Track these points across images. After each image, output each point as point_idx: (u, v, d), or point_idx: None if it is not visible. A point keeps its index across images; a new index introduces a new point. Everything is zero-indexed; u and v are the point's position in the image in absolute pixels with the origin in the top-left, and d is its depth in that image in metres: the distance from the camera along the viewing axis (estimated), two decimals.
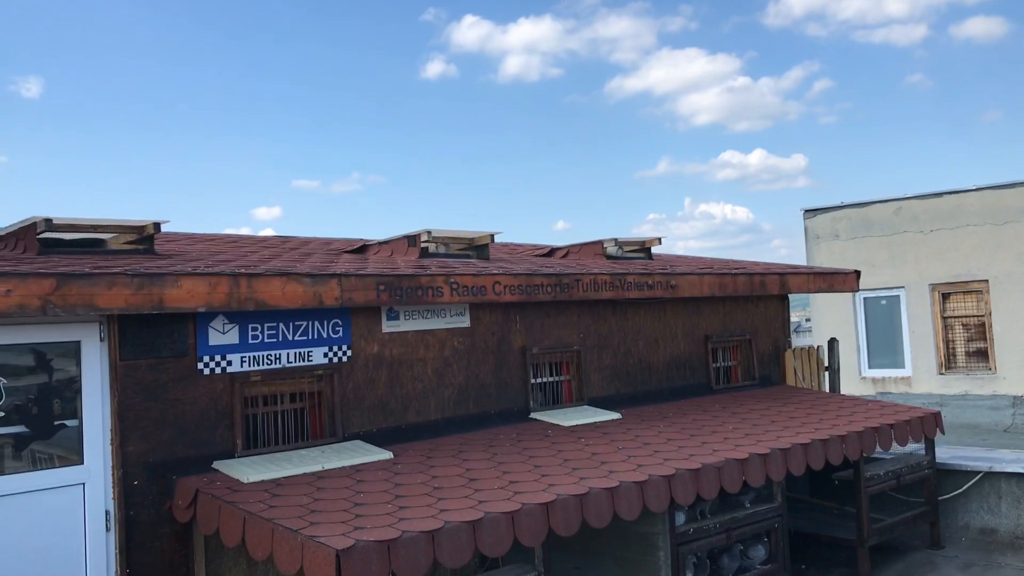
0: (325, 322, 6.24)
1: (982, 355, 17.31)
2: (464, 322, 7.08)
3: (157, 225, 6.22)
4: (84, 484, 5.12)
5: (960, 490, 8.69)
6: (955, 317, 17.63)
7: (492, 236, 8.21)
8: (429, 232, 7.84)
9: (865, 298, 18.36)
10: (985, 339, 17.23)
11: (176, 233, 8.68)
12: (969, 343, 17.53)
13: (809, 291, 10.40)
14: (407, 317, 6.71)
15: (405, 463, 5.83)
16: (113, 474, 5.19)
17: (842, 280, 10.55)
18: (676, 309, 8.90)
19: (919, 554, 8.35)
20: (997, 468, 8.52)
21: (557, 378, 7.86)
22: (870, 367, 18.50)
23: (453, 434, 6.78)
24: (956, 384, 17.23)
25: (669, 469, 5.85)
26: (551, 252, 10.13)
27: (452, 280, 6.49)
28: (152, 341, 5.40)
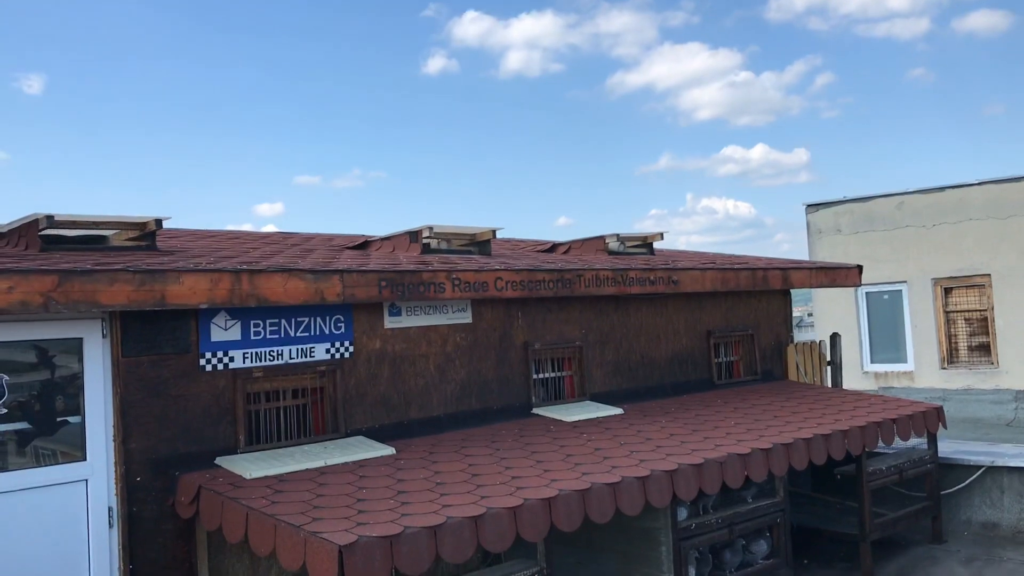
0: (327, 318, 6.25)
1: (984, 349, 17.31)
2: (466, 318, 7.08)
3: (159, 221, 6.22)
4: (87, 480, 5.13)
5: (962, 485, 8.69)
6: (957, 311, 17.62)
7: (494, 232, 8.20)
8: (431, 228, 7.84)
9: (867, 293, 18.35)
10: (987, 333, 17.22)
11: (178, 229, 8.68)
12: (971, 338, 17.52)
13: (811, 286, 10.39)
14: (409, 313, 6.71)
15: (407, 459, 5.84)
16: (116, 470, 5.20)
17: (844, 275, 10.54)
18: (678, 304, 8.89)
19: (921, 549, 8.35)
20: (999, 463, 8.52)
21: (559, 374, 7.86)
22: (872, 362, 18.50)
23: (455, 430, 6.79)
24: (958, 379, 17.22)
25: (671, 464, 5.86)
26: (553, 248, 10.12)
27: (454, 276, 6.49)
28: (154, 337, 5.41)
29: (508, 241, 11.13)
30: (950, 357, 17.65)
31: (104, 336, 5.26)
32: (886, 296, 18.32)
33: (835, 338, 10.58)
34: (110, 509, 5.18)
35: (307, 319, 6.14)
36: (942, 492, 8.58)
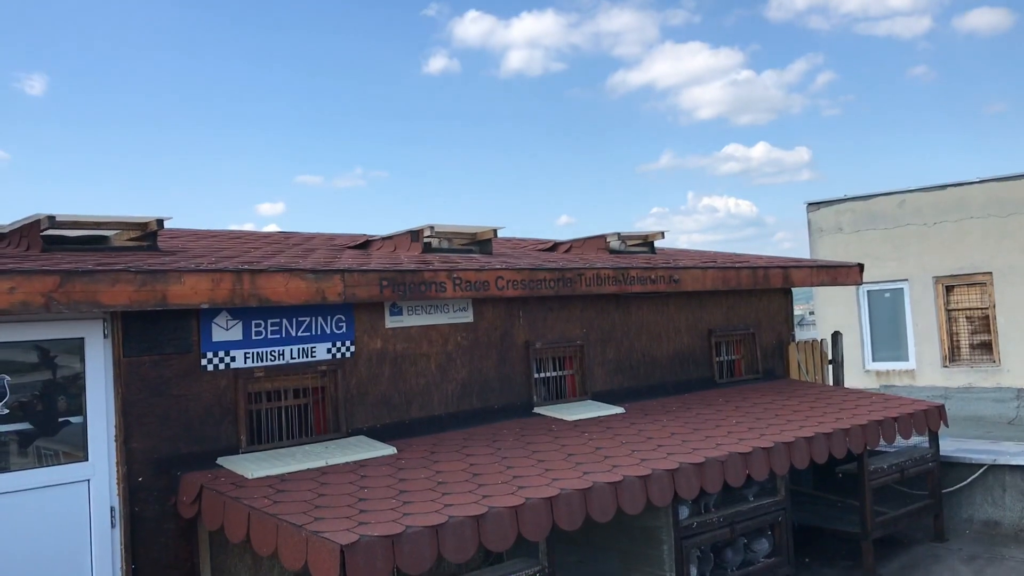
0: (328, 318, 6.25)
1: (986, 348, 17.30)
2: (467, 317, 7.08)
3: (160, 222, 6.23)
4: (89, 480, 5.13)
5: (964, 483, 8.69)
6: (959, 310, 17.62)
7: (495, 231, 8.20)
8: (432, 227, 7.84)
9: (869, 291, 18.35)
10: (989, 331, 17.22)
11: (180, 229, 8.69)
12: (973, 336, 17.52)
13: (813, 284, 10.39)
14: (410, 312, 6.72)
15: (409, 458, 5.85)
16: (118, 470, 5.21)
17: (846, 273, 10.53)
18: (679, 303, 8.89)
19: (923, 547, 8.35)
20: (1001, 461, 8.51)
21: (560, 373, 7.86)
22: (874, 360, 18.50)
23: (456, 429, 6.79)
24: (960, 377, 17.21)
25: (672, 463, 5.86)
26: (554, 247, 10.12)
27: (455, 275, 6.49)
28: (156, 338, 5.41)
29: (509, 240, 11.13)
30: (951, 355, 17.64)
31: (106, 336, 5.26)
32: (887, 294, 18.32)
33: (836, 336, 10.58)
34: (112, 509, 5.19)
35: (308, 319, 6.14)
36: (944, 490, 8.58)
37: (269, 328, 5.96)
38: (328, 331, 6.25)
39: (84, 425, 5.16)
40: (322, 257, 6.80)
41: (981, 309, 17.32)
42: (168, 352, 5.46)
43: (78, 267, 4.83)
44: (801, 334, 15.42)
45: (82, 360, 5.19)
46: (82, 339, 5.19)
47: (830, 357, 10.49)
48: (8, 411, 4.93)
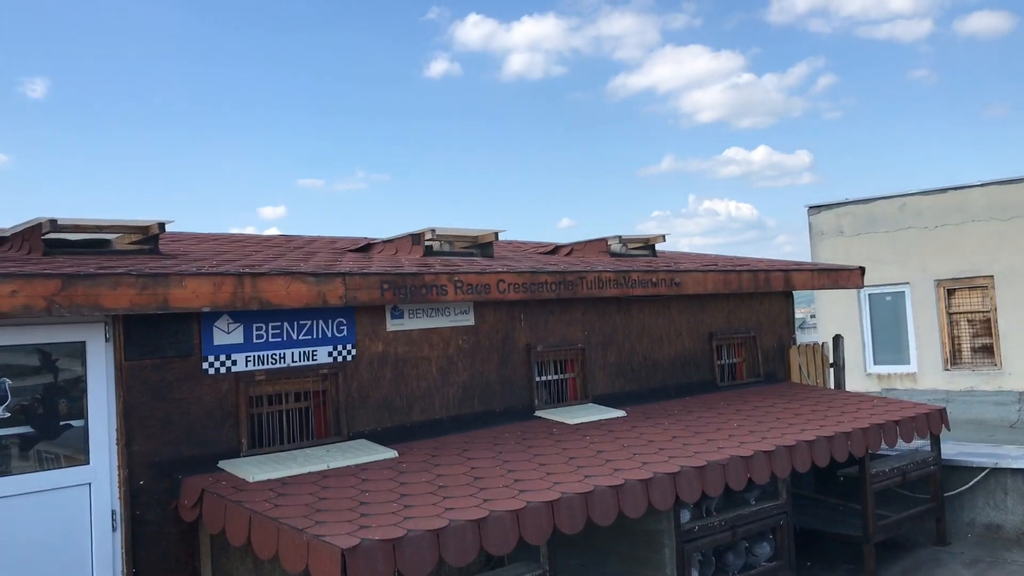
0: (329, 321, 6.25)
1: (988, 351, 17.29)
2: (468, 320, 7.08)
3: (162, 225, 6.23)
4: (90, 484, 5.13)
5: (966, 486, 8.68)
6: (960, 313, 17.61)
7: (496, 234, 8.21)
8: (433, 230, 7.84)
9: (870, 294, 18.34)
10: (991, 335, 17.20)
11: (181, 233, 8.70)
12: (975, 339, 17.50)
13: (814, 288, 10.39)
14: (411, 316, 6.71)
15: (410, 462, 5.84)
16: (119, 474, 5.21)
17: (847, 276, 10.53)
18: (680, 306, 8.89)
19: (925, 550, 8.34)
20: (1003, 464, 8.50)
21: (562, 376, 7.86)
22: (875, 363, 18.49)
23: (458, 432, 6.78)
24: (962, 380, 17.20)
25: (674, 467, 5.85)
26: (555, 250, 10.13)
27: (456, 278, 6.49)
28: (157, 341, 5.41)
29: (510, 243, 11.14)
30: (953, 359, 17.63)
31: (107, 340, 5.27)
32: (889, 298, 18.31)
33: (838, 340, 10.58)
34: (113, 513, 5.18)
35: (309, 322, 6.14)
36: (945, 494, 8.57)
37: (270, 331, 5.96)
38: (329, 334, 6.25)
39: (85, 428, 5.16)
40: (323, 260, 6.81)
41: (982, 312, 17.31)
42: (169, 355, 5.46)
43: (80, 270, 4.83)
44: (802, 337, 15.42)
45: (83, 363, 5.19)
46: (84, 342, 5.19)
47: (831, 360, 10.49)
48: (9, 414, 4.93)
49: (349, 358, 6.34)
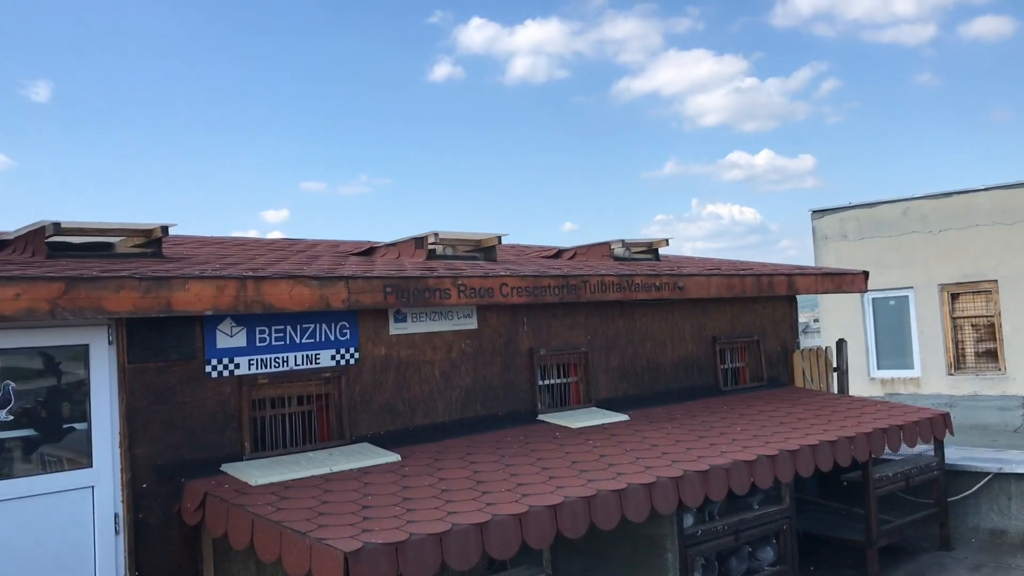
0: (332, 324, 6.25)
1: (991, 356, 17.25)
2: (471, 324, 7.08)
3: (165, 228, 6.24)
4: (93, 487, 5.13)
5: (970, 491, 8.66)
6: (964, 317, 17.57)
7: (499, 238, 8.21)
8: (436, 234, 7.85)
9: (874, 299, 18.31)
10: (994, 339, 17.16)
11: (184, 236, 8.71)
12: (978, 344, 17.46)
13: (817, 292, 10.37)
14: (414, 319, 6.71)
15: (413, 465, 5.84)
16: (122, 477, 5.21)
17: (850, 281, 10.52)
18: (684, 310, 8.88)
19: (929, 556, 8.32)
20: (1007, 469, 8.48)
21: (565, 380, 7.85)
22: (879, 368, 18.45)
23: (461, 436, 6.78)
24: (965, 385, 17.16)
25: (677, 471, 5.84)
26: (558, 254, 10.12)
27: (459, 282, 6.49)
28: (160, 344, 5.42)
29: (514, 247, 11.14)
30: (957, 363, 17.59)
31: (110, 343, 5.27)
32: (892, 302, 18.28)
33: (841, 344, 10.56)
34: (116, 516, 5.18)
35: (312, 326, 6.14)
36: (949, 499, 8.55)
37: (273, 335, 5.96)
38: (332, 338, 6.25)
39: (88, 431, 5.16)
40: (326, 264, 6.81)
41: (986, 317, 17.28)
42: (172, 359, 5.47)
43: (83, 273, 4.84)
44: (806, 342, 15.39)
45: (86, 366, 5.19)
46: (87, 345, 5.20)
47: (835, 365, 10.47)
48: (13, 417, 4.93)
49: (352, 362, 6.34)
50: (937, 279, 17.64)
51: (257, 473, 5.37)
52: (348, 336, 6.33)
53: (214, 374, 5.65)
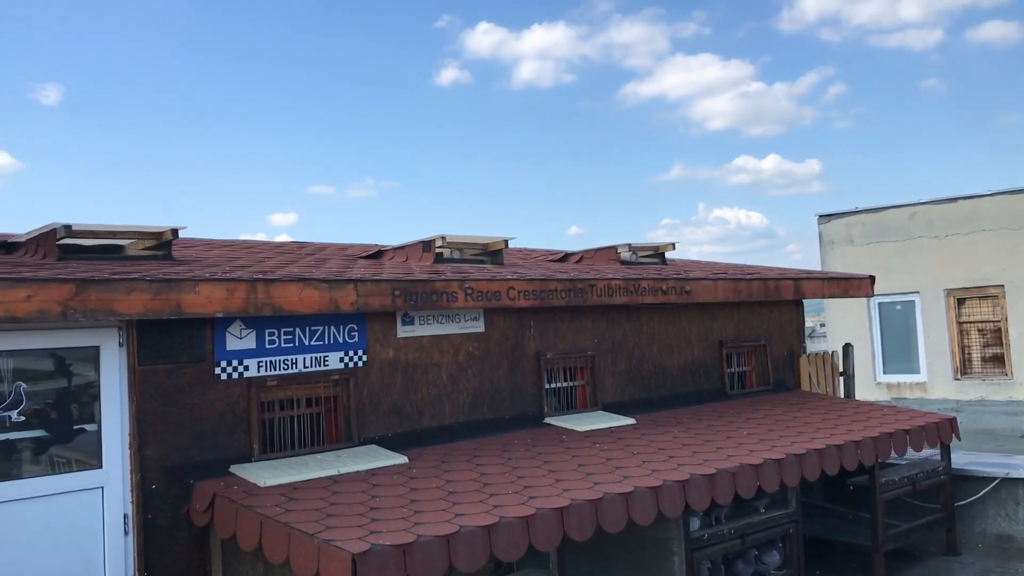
0: (341, 327, 6.28)
1: (998, 360, 17.21)
2: (479, 327, 7.10)
3: (175, 231, 6.28)
4: (103, 488, 5.17)
5: (976, 496, 8.65)
6: (971, 322, 17.53)
7: (506, 241, 8.23)
8: (444, 237, 7.88)
9: (880, 303, 18.28)
10: (1001, 344, 17.12)
11: (194, 239, 8.75)
12: (985, 348, 17.42)
13: (824, 296, 10.37)
14: (422, 322, 6.74)
15: (420, 468, 5.86)
16: (131, 478, 5.24)
17: (857, 285, 10.52)
18: (690, 314, 8.90)
19: (935, 560, 8.31)
20: (1014, 474, 8.47)
21: (571, 383, 7.87)
22: (885, 372, 18.42)
23: (468, 439, 6.80)
24: (972, 390, 17.12)
25: (684, 474, 5.86)
26: (565, 257, 10.14)
27: (467, 285, 6.52)
28: (170, 346, 5.45)
29: (520, 250, 11.16)
30: (963, 368, 17.55)
31: (120, 344, 5.31)
32: (899, 307, 18.25)
33: (848, 348, 10.56)
34: (125, 516, 5.21)
35: (321, 328, 6.17)
36: (956, 504, 8.54)
37: (282, 337, 5.99)
38: (341, 340, 6.27)
39: (98, 433, 5.19)
40: (335, 267, 6.84)
41: (993, 322, 17.24)
42: (182, 360, 5.50)
43: (94, 276, 4.87)
44: (812, 346, 15.37)
45: (97, 368, 5.23)
46: (97, 347, 5.23)
47: (841, 369, 10.47)
48: (24, 418, 4.97)
49: (360, 364, 6.37)
50: (944, 284, 17.60)
51: (266, 475, 5.39)
52: (356, 339, 6.36)
53: (223, 376, 5.68)
